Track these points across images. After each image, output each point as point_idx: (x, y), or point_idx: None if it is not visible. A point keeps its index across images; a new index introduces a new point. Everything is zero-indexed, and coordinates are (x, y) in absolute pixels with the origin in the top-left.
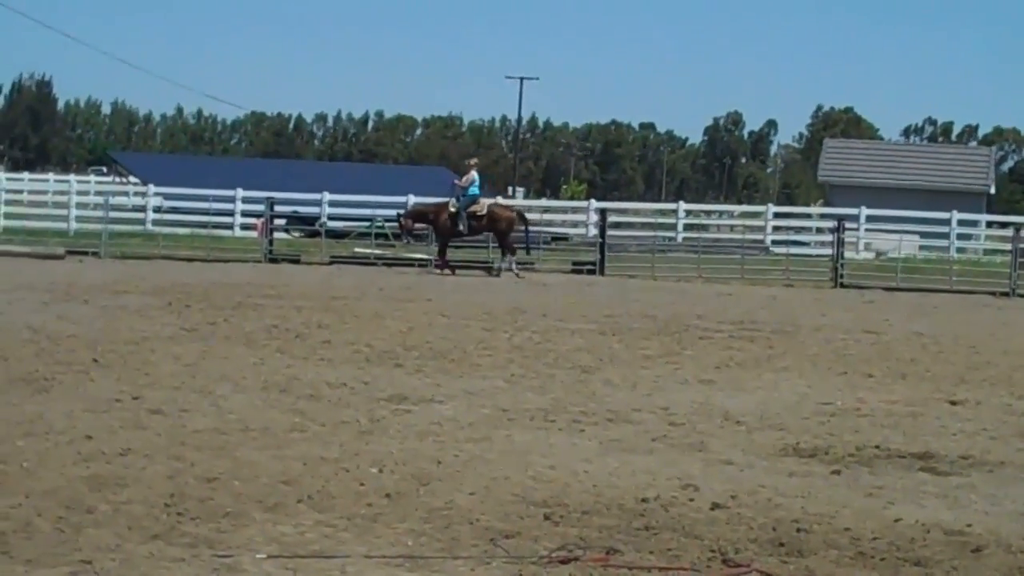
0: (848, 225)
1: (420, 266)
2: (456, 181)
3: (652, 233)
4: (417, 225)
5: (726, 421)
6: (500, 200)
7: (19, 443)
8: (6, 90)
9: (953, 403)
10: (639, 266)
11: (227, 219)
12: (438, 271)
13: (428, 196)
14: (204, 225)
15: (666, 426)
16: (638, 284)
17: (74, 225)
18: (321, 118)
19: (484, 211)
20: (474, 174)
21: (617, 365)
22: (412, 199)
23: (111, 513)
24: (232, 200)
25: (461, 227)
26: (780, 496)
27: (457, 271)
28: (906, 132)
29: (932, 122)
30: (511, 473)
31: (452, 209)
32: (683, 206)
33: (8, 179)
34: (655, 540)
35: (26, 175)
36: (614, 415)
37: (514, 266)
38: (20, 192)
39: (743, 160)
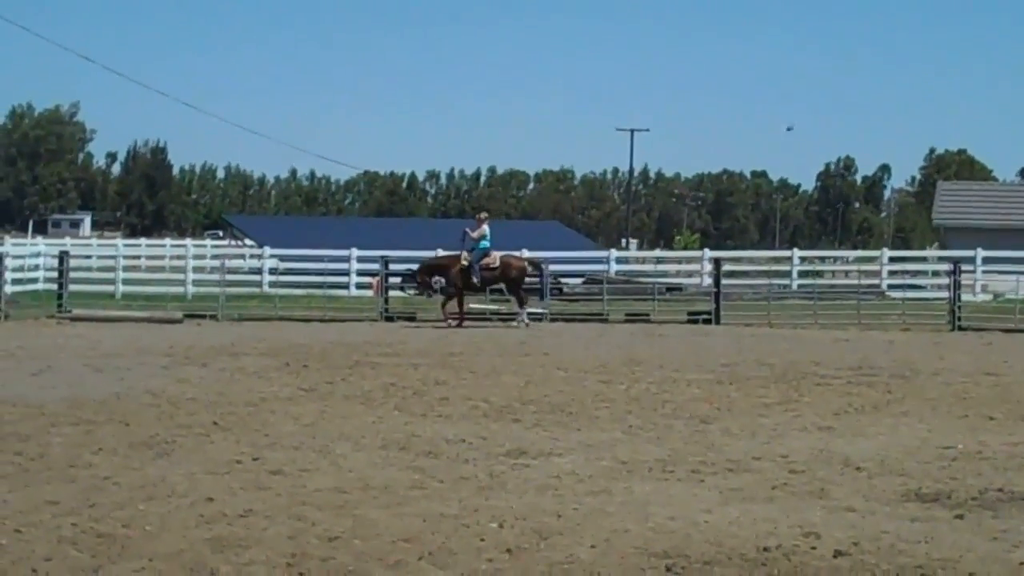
0: (964, 267)
1: (535, 320)
2: (468, 231)
3: (767, 281)
4: (434, 279)
5: (846, 468)
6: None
7: (141, 507)
8: (122, 157)
9: None
10: (755, 314)
11: (342, 279)
12: (445, 324)
13: (542, 250)
14: (320, 285)
15: (786, 474)
16: (754, 332)
17: (191, 289)
18: (433, 175)
19: (497, 263)
20: (486, 228)
21: (735, 414)
22: (526, 253)
23: (234, 574)
24: (347, 259)
25: (475, 279)
26: (903, 542)
27: (465, 323)
28: (1021, 172)
29: None
30: (631, 525)
31: (464, 262)
32: (797, 253)
33: (126, 245)
34: None
35: (143, 241)
36: (733, 464)
37: (525, 316)
38: (138, 258)
39: (856, 205)
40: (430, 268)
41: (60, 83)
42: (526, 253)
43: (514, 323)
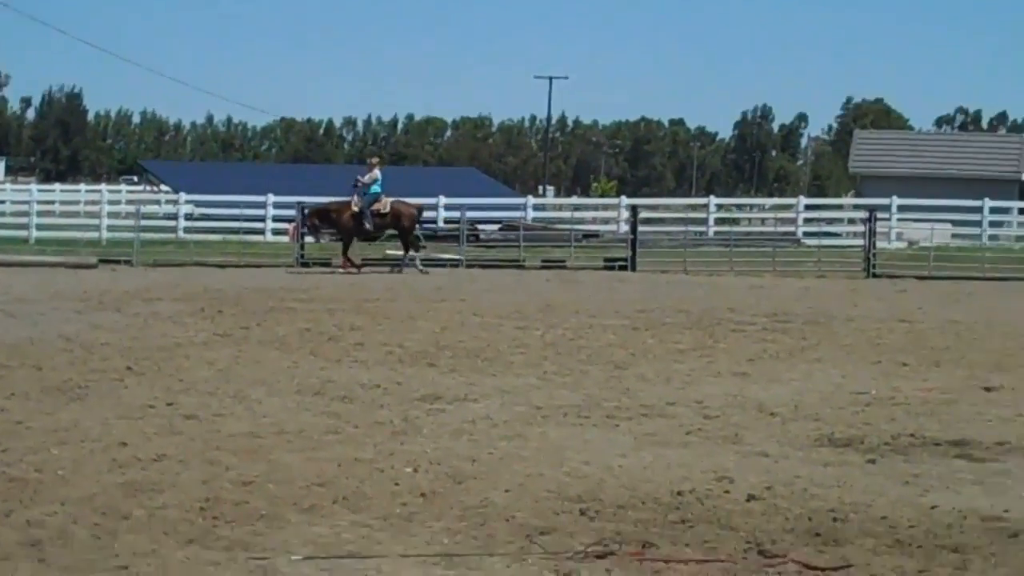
0: (880, 215)
1: (452, 266)
2: (359, 178)
3: (683, 228)
4: (323, 225)
5: (760, 413)
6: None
7: (54, 451)
8: (36, 102)
9: (988, 390)
10: (671, 261)
11: (259, 224)
12: (342, 271)
13: (460, 197)
14: (236, 231)
15: (700, 419)
16: (670, 279)
17: (106, 234)
18: (350, 122)
19: (387, 209)
20: (377, 172)
21: (650, 360)
22: (443, 200)
23: (147, 519)
24: (263, 206)
25: (367, 225)
26: (816, 486)
27: (362, 270)
28: (937, 122)
29: (963, 111)
30: (546, 470)
31: (355, 208)
32: (714, 200)
33: (40, 190)
34: (691, 533)
35: (58, 186)
36: (648, 409)
37: (418, 262)
38: (52, 203)
39: (773, 153)
40: (319, 213)
41: None
42: (443, 200)
43: (400, 270)
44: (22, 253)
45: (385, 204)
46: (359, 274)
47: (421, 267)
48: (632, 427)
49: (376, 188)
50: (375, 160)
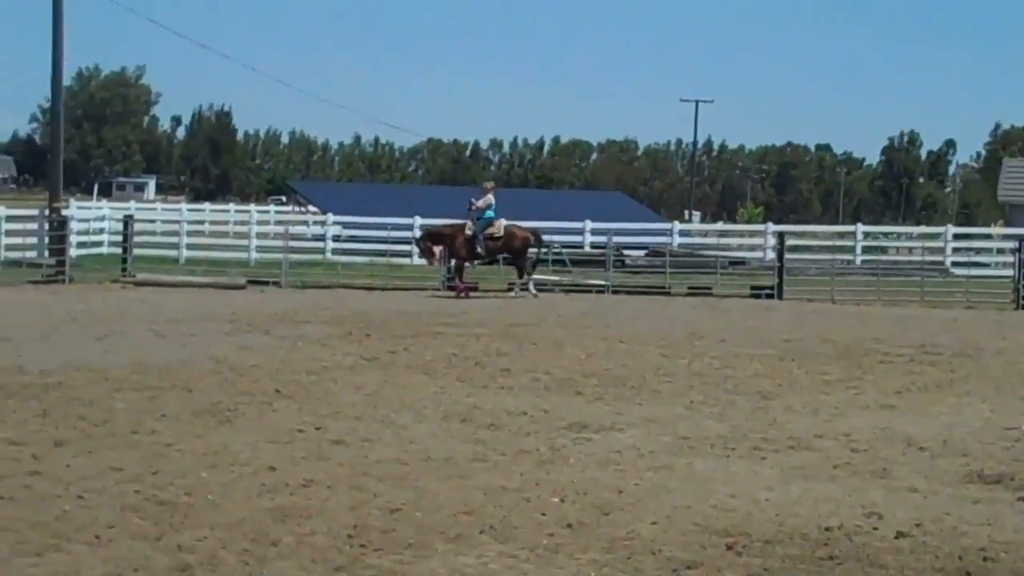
0: None
1: (598, 292)
2: (473, 201)
3: (830, 256)
4: (435, 247)
5: (909, 447)
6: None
7: (204, 475)
8: (187, 121)
9: None
10: (818, 289)
11: (405, 247)
12: (454, 294)
13: (607, 222)
14: (383, 253)
15: (848, 453)
16: (817, 308)
17: (255, 255)
18: (497, 144)
19: (501, 232)
20: (491, 197)
21: (797, 391)
22: (589, 224)
23: (295, 545)
24: (410, 228)
25: (479, 249)
26: (965, 524)
27: (472, 294)
28: None
29: None
30: (692, 502)
31: (468, 232)
32: (861, 228)
33: (190, 210)
34: (839, 570)
35: (207, 206)
36: (795, 442)
37: (531, 286)
38: (202, 223)
39: (921, 180)
40: (433, 236)
41: (127, 46)
42: (590, 224)
43: (513, 294)
44: (172, 273)
45: (499, 227)
46: (469, 297)
47: (534, 291)
48: (779, 460)
49: (490, 213)
50: (490, 185)
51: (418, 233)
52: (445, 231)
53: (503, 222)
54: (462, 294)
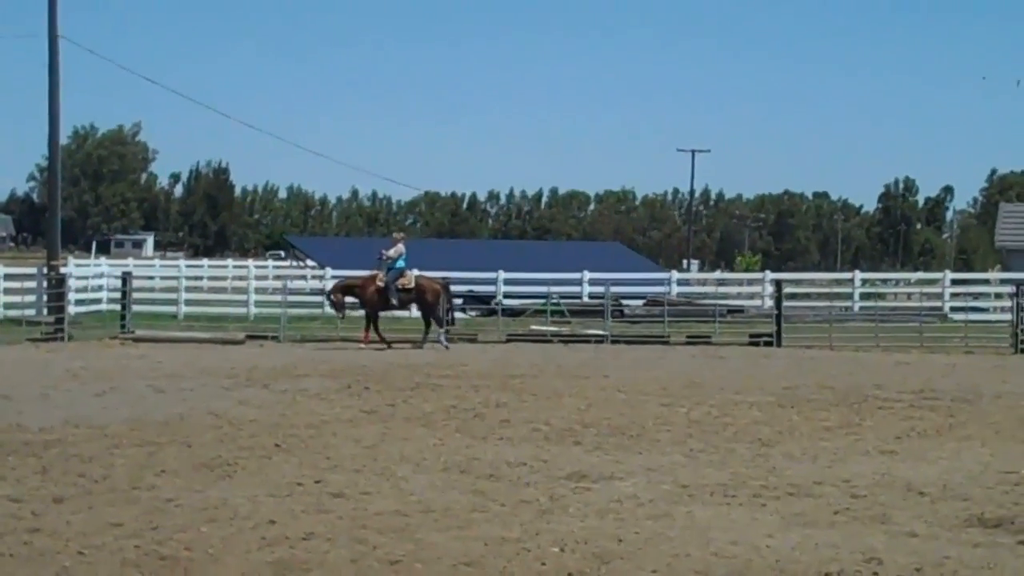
0: None
1: (597, 342)
2: (384, 251)
3: (828, 303)
4: (347, 299)
5: (909, 492)
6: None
7: (203, 529)
8: (185, 178)
9: None
10: (816, 336)
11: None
12: (362, 345)
13: (605, 271)
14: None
15: (848, 499)
16: (815, 355)
17: (253, 310)
18: (494, 196)
19: (412, 284)
20: (402, 247)
21: (797, 437)
22: (587, 275)
23: None
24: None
25: (393, 300)
26: (965, 568)
27: (392, 345)
28: None
29: None
30: (692, 550)
31: (380, 283)
32: (859, 275)
33: (188, 266)
34: None
35: (205, 261)
36: (795, 488)
37: (442, 338)
38: (200, 278)
39: (918, 226)
40: (343, 288)
41: (123, 104)
42: (587, 275)
43: (424, 345)
44: (171, 329)
45: (410, 279)
46: (388, 349)
47: (446, 343)
48: (779, 506)
49: (400, 263)
50: (400, 235)
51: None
52: (355, 282)
53: (414, 273)
54: (365, 344)
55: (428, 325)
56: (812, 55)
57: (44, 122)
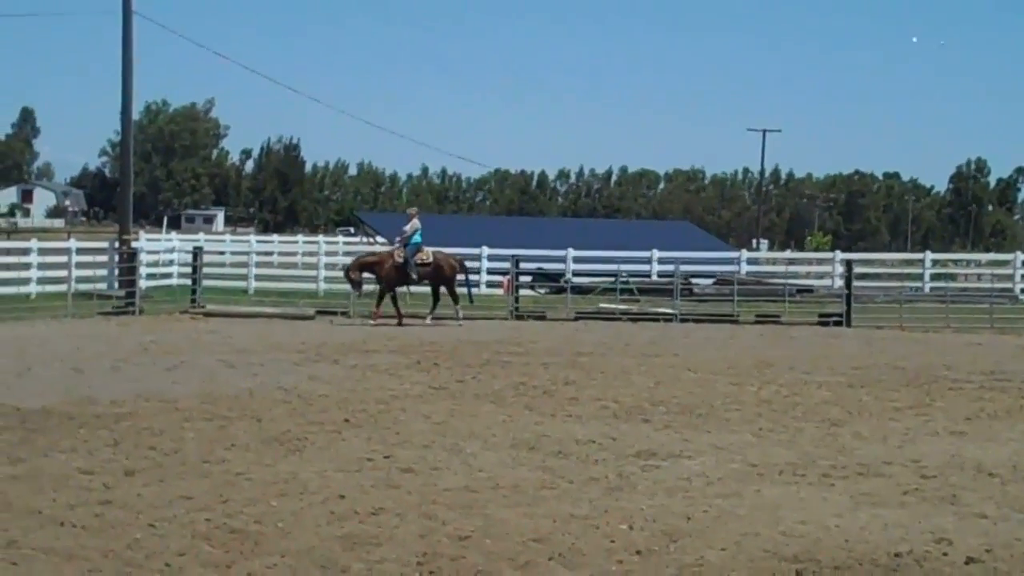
0: None
1: (665, 320)
2: (405, 229)
3: (899, 283)
4: (364, 275)
5: (979, 473)
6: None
7: (273, 503)
8: (256, 154)
9: None
10: (886, 317)
11: (473, 277)
12: (373, 322)
13: (674, 251)
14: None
15: (918, 479)
16: (885, 335)
17: (323, 285)
18: (564, 174)
19: (430, 259)
20: (417, 222)
21: (866, 418)
22: (657, 253)
23: (365, 572)
24: (478, 258)
25: (413, 275)
26: None
27: (404, 321)
28: None
29: None
30: (762, 529)
31: (399, 259)
32: (930, 256)
33: (259, 241)
34: None
35: (276, 237)
36: (864, 468)
37: (459, 314)
38: (271, 254)
39: (990, 207)
40: (362, 265)
41: (196, 80)
42: (657, 254)
43: (428, 319)
44: (241, 304)
45: (428, 254)
46: (400, 326)
47: (461, 320)
48: (848, 486)
49: (417, 238)
50: (413, 210)
51: (488, 264)
52: (373, 259)
53: (430, 249)
54: (377, 321)
55: (437, 300)
56: (884, 34)
57: (116, 98)
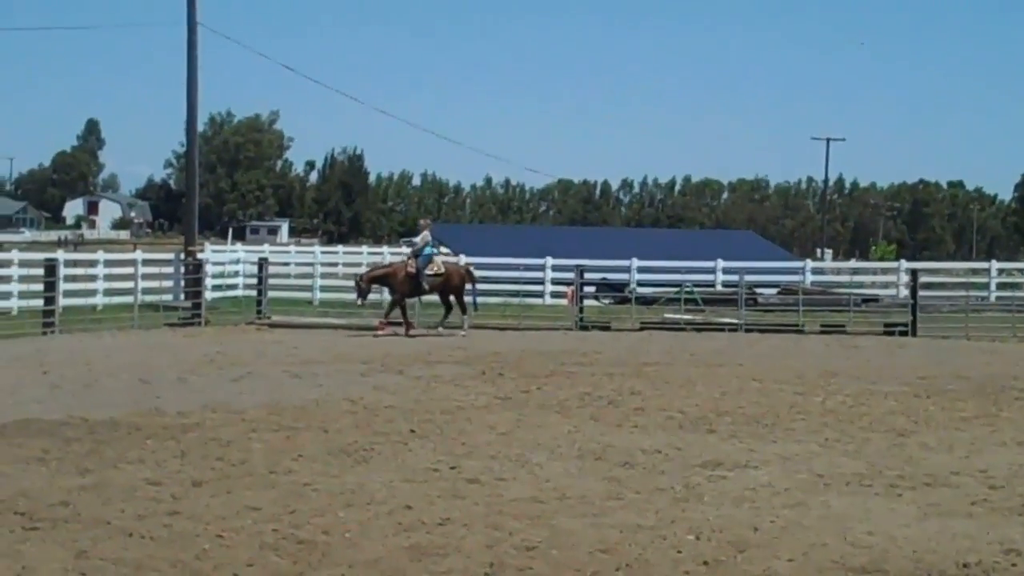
0: None
1: (730, 330)
2: (415, 241)
3: (964, 293)
4: (373, 286)
5: None
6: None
7: (340, 514)
8: (320, 164)
9: None
10: (952, 326)
11: (537, 287)
12: (380, 334)
13: (738, 260)
14: (515, 294)
15: (985, 489)
16: (951, 345)
17: (387, 296)
18: (627, 184)
19: (442, 270)
20: (427, 233)
21: (933, 428)
22: (721, 263)
23: None
24: (542, 268)
25: (425, 286)
26: None
27: (409, 332)
28: None
29: None
30: (829, 539)
31: (411, 269)
32: (995, 265)
33: (323, 252)
34: None
35: (340, 248)
36: (932, 479)
37: (466, 324)
38: (335, 265)
39: None
40: (374, 277)
41: (259, 91)
42: (721, 263)
43: (439, 329)
44: (306, 315)
45: (439, 265)
46: (400, 336)
47: (466, 330)
48: (915, 497)
49: (429, 249)
50: (425, 222)
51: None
52: (387, 271)
53: (439, 259)
54: (382, 333)
55: (449, 309)
56: (948, 43)
57: (181, 109)
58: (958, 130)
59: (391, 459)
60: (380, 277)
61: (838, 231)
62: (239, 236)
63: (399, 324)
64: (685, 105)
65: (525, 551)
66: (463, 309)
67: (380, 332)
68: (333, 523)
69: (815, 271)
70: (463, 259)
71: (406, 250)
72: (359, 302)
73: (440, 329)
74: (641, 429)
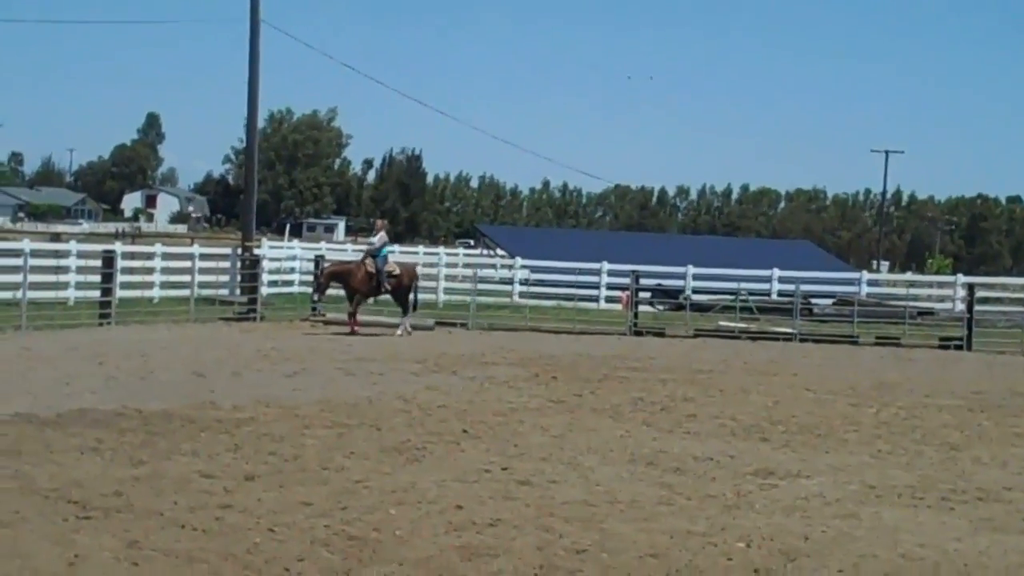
0: None
1: (785, 340)
2: (373, 240)
3: (1021, 308)
4: (332, 284)
5: None
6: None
7: (392, 512)
8: (378, 163)
9: None
10: (1008, 341)
11: (592, 292)
12: (348, 332)
13: (794, 270)
14: (570, 298)
15: None
16: (1006, 360)
17: (443, 297)
18: (684, 191)
19: (397, 270)
20: (384, 234)
21: (986, 442)
22: (777, 272)
23: None
24: (597, 273)
25: (386, 285)
26: None
27: (358, 332)
28: None
29: None
30: (880, 551)
31: (370, 269)
32: None
33: None
34: None
35: (396, 248)
36: (984, 493)
37: (407, 324)
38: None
39: None
40: (332, 274)
41: (319, 89)
42: (777, 272)
43: (399, 332)
44: (361, 313)
45: (394, 266)
46: (365, 335)
47: (409, 330)
48: (968, 511)
49: (386, 250)
50: (381, 222)
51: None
52: (345, 268)
53: (393, 259)
54: (357, 328)
55: (406, 308)
56: (1010, 57)
57: (240, 105)
58: (1018, 145)
59: (443, 459)
60: (338, 274)
61: (894, 243)
62: (296, 233)
63: (363, 325)
64: (743, 114)
65: (575, 554)
66: (404, 310)
67: (355, 329)
68: (384, 520)
69: (871, 283)
70: (518, 260)
71: (461, 251)
72: (315, 297)
73: (406, 328)
74: (693, 436)
